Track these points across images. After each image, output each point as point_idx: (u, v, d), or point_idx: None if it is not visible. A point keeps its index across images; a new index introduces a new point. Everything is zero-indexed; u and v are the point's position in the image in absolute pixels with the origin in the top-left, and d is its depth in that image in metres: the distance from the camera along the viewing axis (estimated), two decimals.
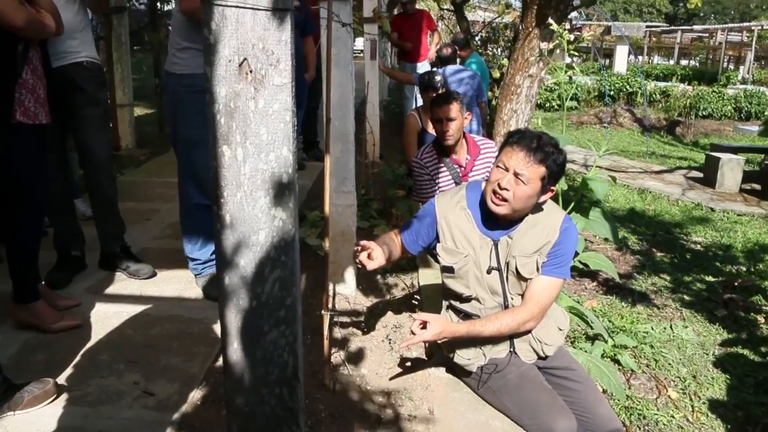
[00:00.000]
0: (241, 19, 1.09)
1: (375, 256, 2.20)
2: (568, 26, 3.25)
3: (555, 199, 2.40)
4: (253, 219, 1.16)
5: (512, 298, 2.24)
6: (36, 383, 2.19)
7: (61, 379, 2.34)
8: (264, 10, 1.09)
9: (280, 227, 1.18)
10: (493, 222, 2.22)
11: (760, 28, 20.86)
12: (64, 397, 2.24)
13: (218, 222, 1.17)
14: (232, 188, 1.15)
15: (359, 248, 2.21)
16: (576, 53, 2.88)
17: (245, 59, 1.10)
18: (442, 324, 2.13)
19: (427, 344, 2.75)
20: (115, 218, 3.31)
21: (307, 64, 5.07)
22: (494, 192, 2.10)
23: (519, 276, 2.19)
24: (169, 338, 2.71)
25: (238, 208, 1.16)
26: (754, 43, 20.21)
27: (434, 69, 5.96)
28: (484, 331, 2.15)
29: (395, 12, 7.26)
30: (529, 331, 2.26)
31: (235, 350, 1.23)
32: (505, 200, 2.08)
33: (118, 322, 2.81)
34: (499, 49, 11.63)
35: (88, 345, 2.62)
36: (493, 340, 2.27)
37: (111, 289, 3.15)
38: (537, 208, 2.21)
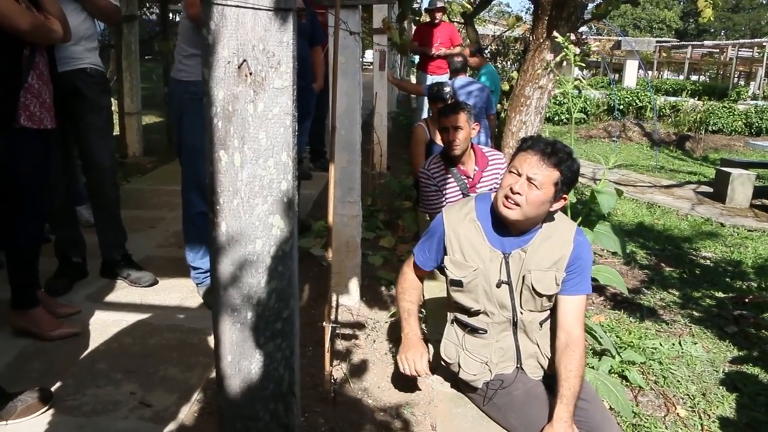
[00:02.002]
0: (242, 19, 1.05)
1: (424, 362, 2.28)
2: (573, 37, 3.21)
3: (564, 211, 2.35)
4: (250, 227, 1.12)
5: (521, 313, 2.19)
6: (30, 392, 2.15)
7: (57, 388, 2.30)
8: (265, 10, 1.06)
9: (277, 236, 1.14)
10: (505, 232, 2.16)
11: None
12: (59, 406, 2.20)
13: (214, 229, 1.13)
14: (229, 195, 1.11)
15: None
16: (583, 65, 2.84)
17: (245, 61, 1.07)
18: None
19: (430, 358, 2.70)
20: (116, 226, 3.29)
21: (316, 74, 5.05)
22: (506, 197, 2.05)
23: (534, 292, 2.13)
24: (169, 348, 2.66)
25: (235, 216, 1.12)
26: (765, 58, 20.14)
27: (444, 80, 5.94)
28: (576, 389, 2.01)
29: (419, 20, 7.04)
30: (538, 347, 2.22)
31: (229, 364, 1.18)
32: (517, 204, 2.04)
33: (117, 330, 2.77)
34: (508, 62, 11.63)
35: (86, 353, 2.58)
36: (500, 355, 2.22)
37: (111, 297, 3.12)
38: (549, 217, 2.16)
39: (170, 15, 8.28)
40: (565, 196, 2.11)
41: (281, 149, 1.10)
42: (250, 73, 1.07)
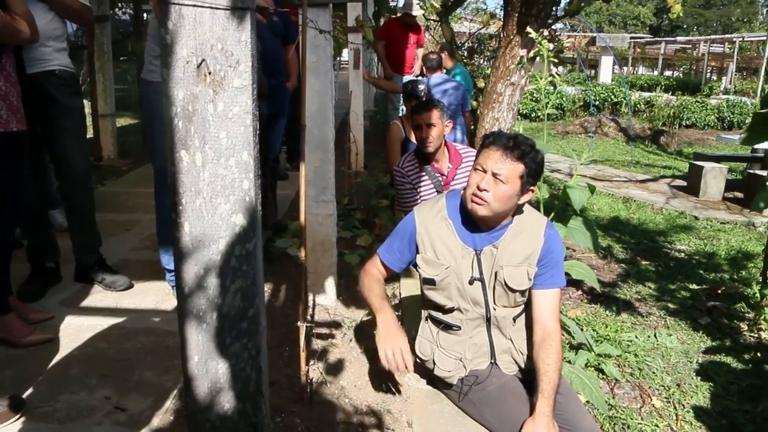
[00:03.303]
0: (199, 19, 1.05)
1: (406, 352, 2.21)
2: (546, 33, 3.23)
3: (537, 207, 2.36)
4: (213, 227, 1.12)
5: (495, 309, 2.20)
6: (1, 400, 2.12)
7: (30, 395, 2.27)
8: (223, 9, 1.05)
9: (241, 235, 1.14)
10: (475, 229, 2.17)
11: (741, 39, 21.13)
12: (32, 414, 2.18)
13: (177, 230, 1.13)
14: (191, 195, 1.10)
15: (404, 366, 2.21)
16: (556, 60, 2.87)
17: (204, 60, 1.06)
18: (542, 428, 1.96)
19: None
20: (91, 230, 3.25)
21: (289, 73, 5.03)
22: (474, 194, 2.07)
23: (507, 287, 2.15)
24: (144, 351, 2.64)
25: (197, 216, 1.11)
26: (735, 54, 20.47)
27: (418, 78, 5.93)
28: (555, 383, 2.02)
29: (391, 16, 6.78)
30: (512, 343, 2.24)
31: (196, 364, 1.18)
32: (485, 201, 2.05)
33: (91, 335, 2.75)
34: (484, 60, 11.67)
35: (60, 359, 2.55)
36: (474, 351, 2.23)
37: (86, 302, 3.09)
38: (518, 211, 2.18)
39: (144, 15, 8.21)
40: (532, 188, 2.13)
41: (242, 148, 1.10)
42: (209, 73, 1.06)
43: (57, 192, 3.74)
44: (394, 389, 2.43)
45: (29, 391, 2.30)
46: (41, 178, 3.28)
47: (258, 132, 1.14)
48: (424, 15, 8.51)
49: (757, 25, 38.58)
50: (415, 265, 2.28)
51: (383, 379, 2.50)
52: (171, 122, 1.08)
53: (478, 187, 2.05)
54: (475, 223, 2.16)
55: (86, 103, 4.59)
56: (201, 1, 1.03)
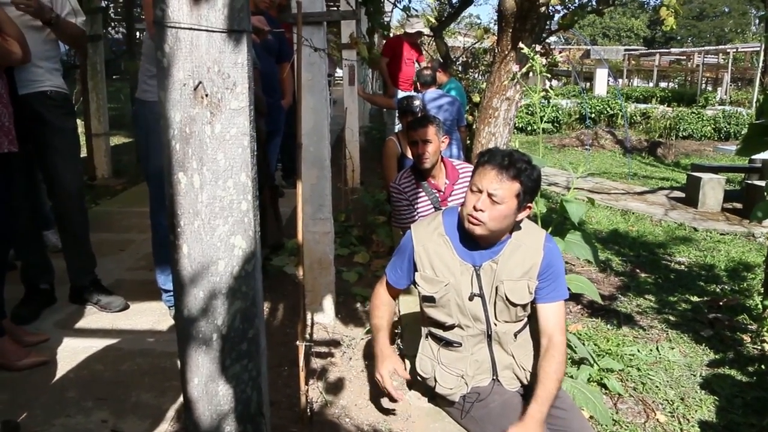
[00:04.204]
0: (196, 42, 1.04)
1: (400, 370, 2.30)
2: (539, 48, 3.23)
3: (534, 222, 2.35)
4: (212, 248, 1.11)
5: (496, 324, 2.18)
6: None
7: (24, 419, 2.24)
8: (219, 32, 1.05)
9: (240, 256, 1.12)
10: (474, 245, 2.16)
11: (735, 50, 21.28)
12: None
13: (175, 252, 1.11)
14: (189, 216, 1.09)
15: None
16: (548, 75, 2.87)
17: (200, 83, 1.06)
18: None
19: (406, 368, 2.68)
20: (85, 251, 3.22)
21: (284, 91, 5.04)
22: (470, 215, 2.06)
23: (508, 302, 2.13)
24: (141, 373, 2.61)
25: (196, 238, 1.10)
26: (730, 65, 20.60)
27: (413, 94, 5.94)
28: (552, 393, 2.02)
29: (387, 34, 6.80)
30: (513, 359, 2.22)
31: (196, 386, 1.16)
32: (481, 221, 2.04)
33: (87, 357, 2.72)
34: (478, 74, 11.73)
35: (55, 382, 2.52)
36: (476, 368, 2.21)
37: (81, 324, 3.06)
38: (516, 226, 2.17)
39: (137, 34, 8.24)
40: (529, 205, 2.12)
41: (240, 170, 1.09)
42: (206, 95, 1.06)
43: (50, 212, 3.71)
44: (394, 401, 2.40)
45: (24, 415, 2.27)
46: (34, 198, 3.25)
47: (256, 152, 1.13)
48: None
49: (750, 36, 38.88)
50: (415, 283, 2.27)
51: (385, 396, 2.48)
52: (168, 144, 1.07)
53: (474, 208, 2.04)
54: (473, 240, 2.15)
55: (80, 123, 4.58)
56: (197, 24, 1.03)
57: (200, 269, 1.12)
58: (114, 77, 10.88)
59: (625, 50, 25.22)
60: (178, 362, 2.55)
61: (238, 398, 1.19)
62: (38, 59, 2.83)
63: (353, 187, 6.28)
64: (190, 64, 1.05)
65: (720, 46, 25.77)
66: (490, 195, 2.02)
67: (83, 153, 5.17)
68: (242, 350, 1.17)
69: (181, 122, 1.07)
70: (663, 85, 25.52)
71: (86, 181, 5.53)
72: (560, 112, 14.49)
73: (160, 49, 1.05)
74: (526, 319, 2.26)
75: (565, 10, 3.85)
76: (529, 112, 13.37)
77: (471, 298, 2.15)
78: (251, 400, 1.21)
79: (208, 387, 1.17)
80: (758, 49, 19.14)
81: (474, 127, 4.90)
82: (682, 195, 7.89)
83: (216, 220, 1.10)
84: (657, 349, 3.41)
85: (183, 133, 1.07)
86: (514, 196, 2.04)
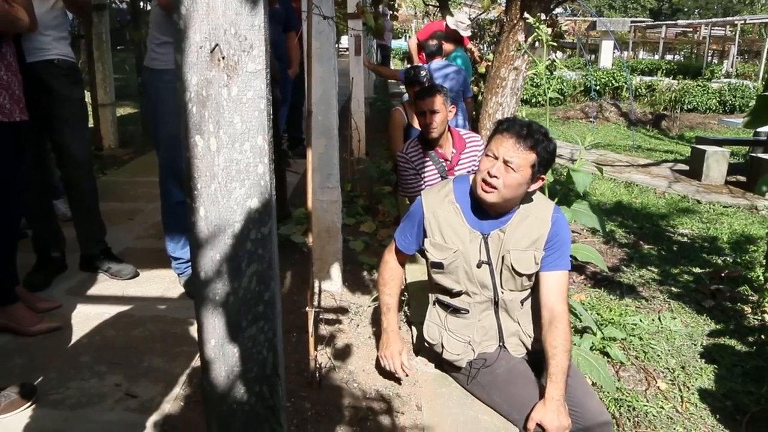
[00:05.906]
0: (212, 4, 1.04)
1: (404, 357, 2.34)
2: (544, 17, 3.21)
3: (542, 191, 2.36)
4: (228, 211, 1.12)
5: (502, 292, 2.21)
6: (12, 388, 2.13)
7: (41, 383, 2.29)
8: None
9: (256, 219, 1.14)
10: (483, 214, 2.18)
11: (743, 22, 20.99)
12: (43, 401, 2.19)
13: (192, 215, 1.13)
14: (206, 180, 1.11)
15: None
16: (554, 44, 2.85)
17: (217, 45, 1.06)
18: (553, 413, 1.96)
19: (414, 340, 2.72)
20: (95, 220, 3.25)
21: (291, 60, 5.02)
22: (484, 180, 2.07)
23: (514, 271, 2.15)
24: (152, 339, 2.66)
25: (213, 201, 1.11)
26: (737, 37, 20.33)
27: (419, 64, 5.90)
28: (564, 366, 2.02)
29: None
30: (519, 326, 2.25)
31: (212, 348, 1.19)
32: (495, 188, 2.05)
33: (99, 323, 2.76)
34: (484, 45, 11.62)
35: (69, 347, 2.57)
36: (482, 334, 2.24)
37: (92, 291, 3.10)
38: (527, 198, 2.18)
39: (141, 3, 8.16)
40: (542, 176, 2.13)
41: (257, 133, 1.10)
42: (223, 58, 1.06)
43: (59, 182, 3.73)
44: (398, 380, 2.43)
45: (40, 378, 2.32)
46: (43, 168, 3.27)
47: (271, 117, 1.14)
48: (423, 0, 8.43)
49: (759, 7, 38.33)
50: (424, 250, 2.29)
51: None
52: (185, 108, 1.08)
53: (488, 173, 2.05)
54: (482, 209, 2.16)
55: (86, 93, 4.56)
56: None
57: (217, 232, 1.13)
58: (118, 47, 10.79)
59: (632, 22, 24.92)
60: (195, 329, 2.60)
61: (255, 359, 1.21)
62: (45, 28, 2.82)
63: (359, 157, 6.28)
64: (206, 26, 1.05)
65: (727, 18, 25.43)
66: (506, 162, 2.03)
67: (90, 123, 5.17)
68: (258, 312, 1.19)
69: (198, 85, 1.07)
70: (669, 57, 25.25)
71: (93, 151, 5.53)
72: (565, 84, 14.38)
73: (176, 12, 1.05)
74: (531, 287, 2.28)
75: None
76: (534, 84, 13.26)
77: (479, 266, 2.17)
78: (267, 361, 1.23)
79: (225, 348, 1.19)
80: (767, 20, 18.91)
81: (480, 97, 4.88)
82: (686, 168, 7.87)
83: (232, 183, 1.11)
84: (659, 319, 3.45)
85: (200, 96, 1.08)
86: (530, 166, 2.04)
